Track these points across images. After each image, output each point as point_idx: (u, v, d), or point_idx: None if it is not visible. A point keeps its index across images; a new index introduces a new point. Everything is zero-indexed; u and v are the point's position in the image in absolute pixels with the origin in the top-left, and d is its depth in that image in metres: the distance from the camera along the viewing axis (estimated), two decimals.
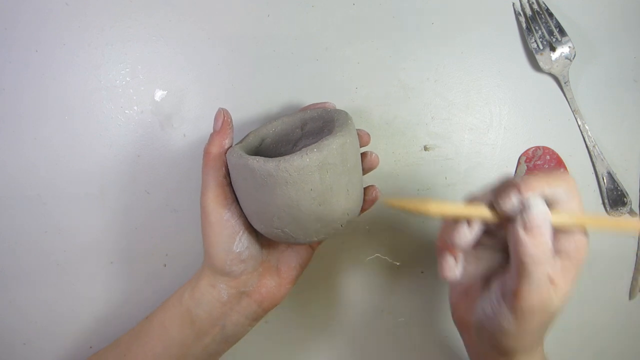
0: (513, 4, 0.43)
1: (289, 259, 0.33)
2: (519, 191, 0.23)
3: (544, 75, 0.43)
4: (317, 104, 0.35)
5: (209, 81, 0.37)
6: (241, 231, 0.30)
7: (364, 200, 0.32)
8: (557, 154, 0.43)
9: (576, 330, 0.44)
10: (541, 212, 0.22)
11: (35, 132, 0.35)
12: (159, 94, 0.37)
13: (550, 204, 0.23)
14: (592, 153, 0.44)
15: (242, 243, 0.30)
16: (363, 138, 0.34)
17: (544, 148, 0.43)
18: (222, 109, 0.31)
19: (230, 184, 0.30)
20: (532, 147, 0.43)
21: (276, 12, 0.38)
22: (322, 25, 0.39)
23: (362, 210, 0.32)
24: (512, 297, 0.24)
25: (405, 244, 0.41)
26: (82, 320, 0.36)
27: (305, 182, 0.26)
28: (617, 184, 0.44)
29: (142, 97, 0.36)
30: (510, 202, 0.23)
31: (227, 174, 0.30)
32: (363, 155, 0.33)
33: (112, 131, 0.36)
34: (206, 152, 0.30)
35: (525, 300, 0.23)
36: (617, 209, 0.44)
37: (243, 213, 0.30)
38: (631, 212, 0.44)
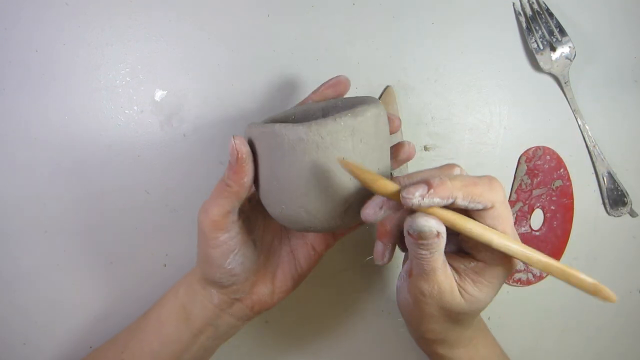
0: (513, 3, 0.43)
1: (287, 267, 0.32)
2: (427, 190, 0.22)
3: (544, 75, 0.43)
4: (330, 80, 0.32)
5: (209, 81, 0.37)
6: (236, 249, 0.28)
7: None
8: (557, 154, 0.43)
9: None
10: (427, 229, 0.22)
11: (35, 132, 0.35)
12: (159, 94, 0.37)
13: (465, 208, 0.23)
14: (592, 153, 0.44)
15: (235, 260, 0.28)
16: (394, 122, 0.30)
17: (544, 148, 0.43)
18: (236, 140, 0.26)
19: (238, 207, 0.28)
20: (532, 147, 0.43)
21: (276, 12, 0.38)
22: (322, 25, 0.39)
23: None
24: (407, 277, 0.26)
25: None
26: (82, 320, 0.36)
27: (338, 149, 0.24)
28: (617, 184, 0.44)
29: (142, 97, 0.36)
30: (411, 201, 0.22)
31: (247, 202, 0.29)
32: (400, 145, 0.31)
33: (112, 131, 0.36)
34: (226, 184, 0.26)
35: (414, 283, 0.25)
36: (617, 209, 0.44)
37: (244, 228, 0.29)
38: (631, 212, 0.44)
